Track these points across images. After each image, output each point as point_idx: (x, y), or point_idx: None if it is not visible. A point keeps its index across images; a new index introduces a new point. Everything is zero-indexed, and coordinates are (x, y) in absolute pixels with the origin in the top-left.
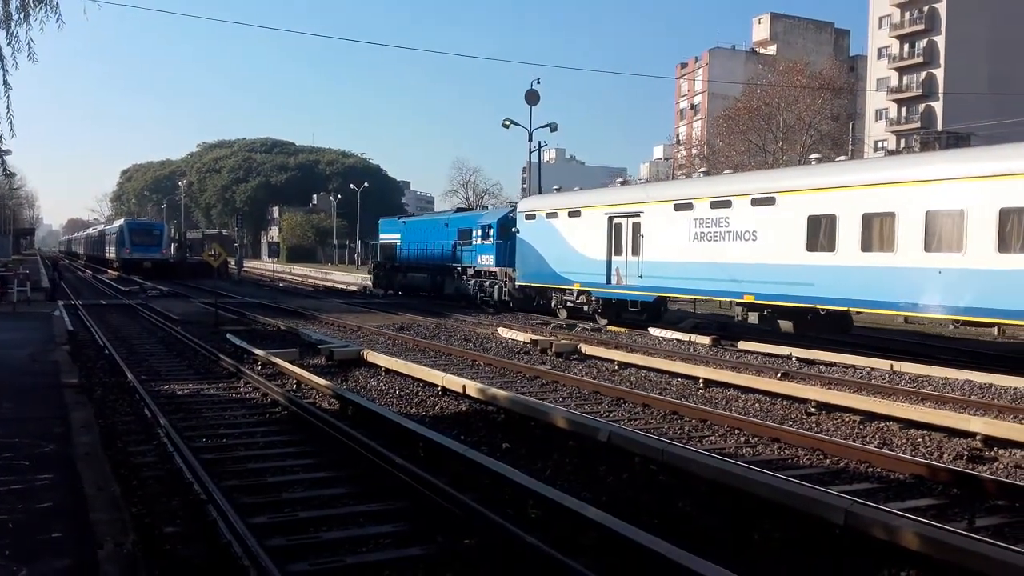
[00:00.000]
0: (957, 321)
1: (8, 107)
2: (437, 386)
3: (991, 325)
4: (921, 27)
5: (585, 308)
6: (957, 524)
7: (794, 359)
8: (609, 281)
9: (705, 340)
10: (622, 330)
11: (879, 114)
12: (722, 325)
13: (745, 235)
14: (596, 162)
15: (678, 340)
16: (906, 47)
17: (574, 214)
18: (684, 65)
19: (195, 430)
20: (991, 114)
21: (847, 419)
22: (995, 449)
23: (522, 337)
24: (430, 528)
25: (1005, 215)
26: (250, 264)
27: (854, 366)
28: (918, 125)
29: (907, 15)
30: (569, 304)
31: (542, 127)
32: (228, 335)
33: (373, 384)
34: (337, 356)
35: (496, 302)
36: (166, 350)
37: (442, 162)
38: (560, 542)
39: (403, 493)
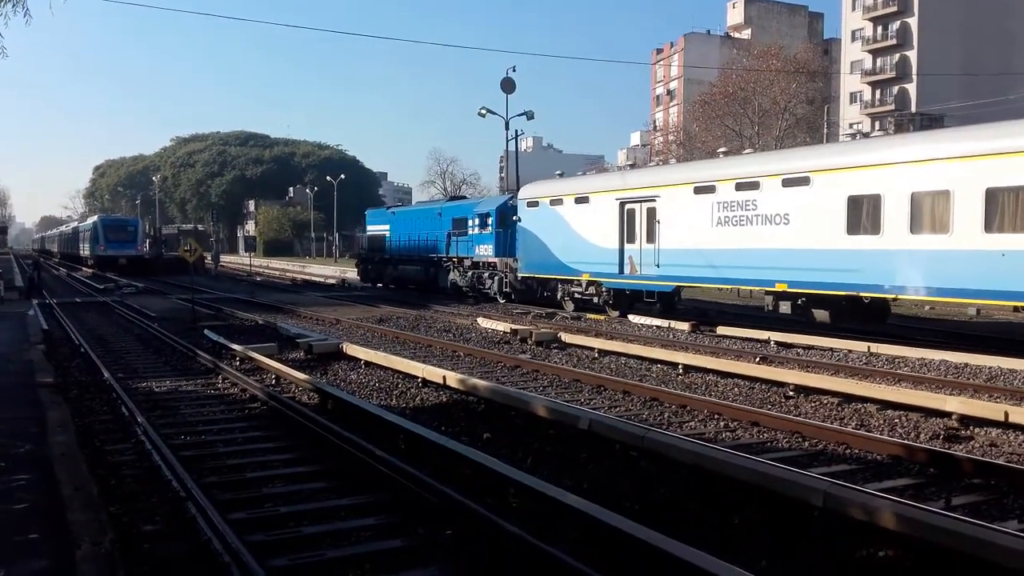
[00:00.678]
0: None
1: None
2: (417, 378)
3: None
4: (894, 9)
5: (595, 300)
6: (934, 503)
7: (772, 343)
8: (622, 271)
9: (684, 326)
10: (601, 317)
11: (853, 97)
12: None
13: (776, 219)
14: (573, 150)
15: (657, 327)
16: (880, 29)
17: (581, 200)
18: (660, 51)
19: (173, 427)
20: (963, 95)
21: (825, 401)
22: (971, 428)
23: (502, 327)
24: (411, 520)
25: None
26: (226, 259)
27: (832, 348)
28: (892, 107)
29: None
30: (577, 296)
31: (519, 115)
32: (205, 331)
33: (353, 377)
34: (316, 350)
35: (496, 294)
36: (143, 347)
37: (419, 152)
38: (542, 530)
39: (384, 485)
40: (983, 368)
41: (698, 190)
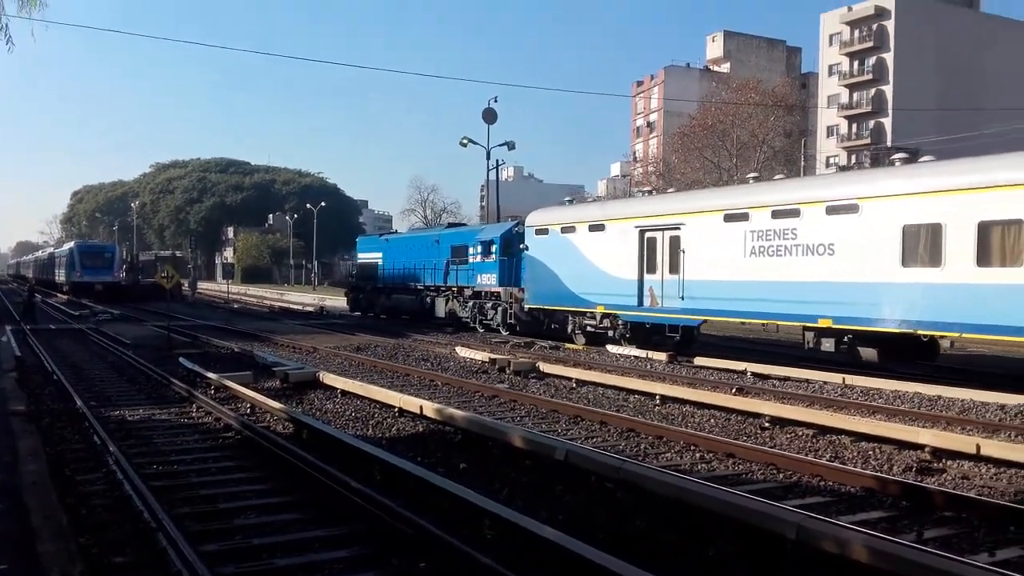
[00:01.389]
0: None
1: None
2: (394, 407)
3: None
4: (871, 45)
5: (610, 333)
6: (906, 536)
7: (749, 374)
8: (641, 303)
9: (662, 356)
10: (579, 348)
11: (830, 130)
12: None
13: (819, 249)
14: (554, 180)
15: (635, 357)
16: (856, 64)
17: (596, 228)
18: (640, 83)
19: (146, 456)
20: (938, 130)
21: (800, 433)
22: (943, 460)
23: (480, 356)
24: (386, 551)
25: None
26: (204, 285)
27: (807, 380)
28: (868, 141)
29: (857, 33)
30: (590, 329)
31: (500, 145)
32: (181, 358)
33: (329, 406)
34: (292, 378)
35: (500, 326)
36: (117, 375)
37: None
38: (516, 562)
39: (358, 516)
40: (956, 400)
41: (729, 218)
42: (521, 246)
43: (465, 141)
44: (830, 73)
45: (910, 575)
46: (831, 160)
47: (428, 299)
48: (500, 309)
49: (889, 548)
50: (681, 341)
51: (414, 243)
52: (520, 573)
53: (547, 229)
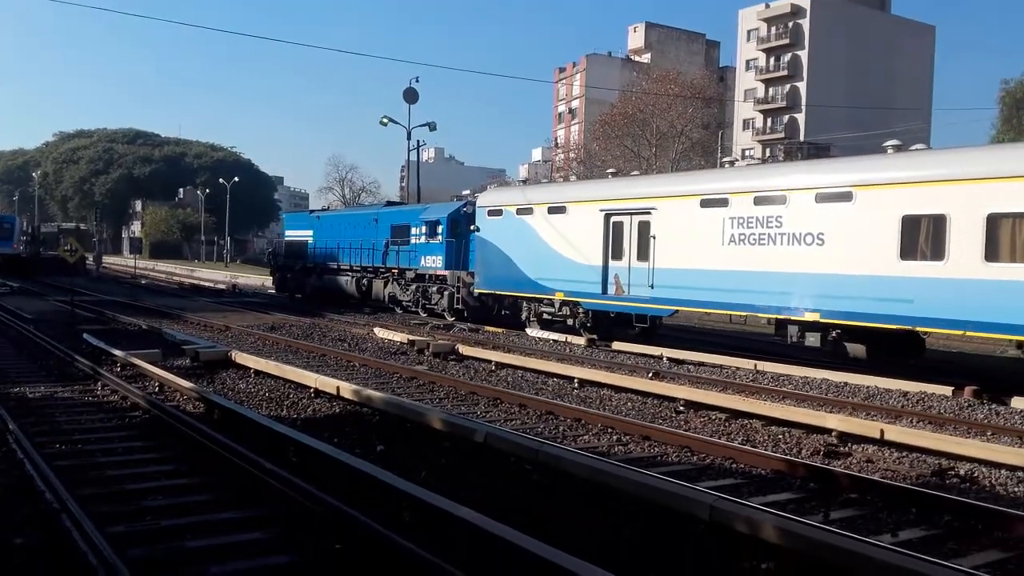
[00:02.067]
0: None
1: None
2: (310, 388)
3: None
4: (786, 42)
5: (569, 321)
6: (814, 517)
7: (665, 359)
8: (605, 291)
9: (581, 341)
10: (500, 330)
11: (746, 123)
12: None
13: (806, 238)
14: (475, 162)
15: (554, 340)
16: (772, 60)
17: (557, 210)
18: (562, 69)
19: (48, 435)
20: (849, 127)
21: (713, 417)
22: (849, 445)
23: (399, 337)
24: (300, 534)
25: None
26: (110, 260)
27: (721, 366)
28: (782, 135)
29: (774, 29)
30: (546, 316)
31: (421, 126)
32: (85, 335)
33: (242, 386)
34: (203, 357)
35: (446, 311)
36: (16, 351)
37: (318, 158)
38: (433, 544)
39: (272, 498)
40: (861, 387)
41: (706, 203)
42: (472, 227)
43: (386, 120)
44: (747, 68)
45: (818, 555)
46: (746, 153)
47: (364, 281)
48: (446, 293)
49: (797, 528)
50: (644, 331)
51: (349, 221)
52: (437, 554)
53: (501, 210)
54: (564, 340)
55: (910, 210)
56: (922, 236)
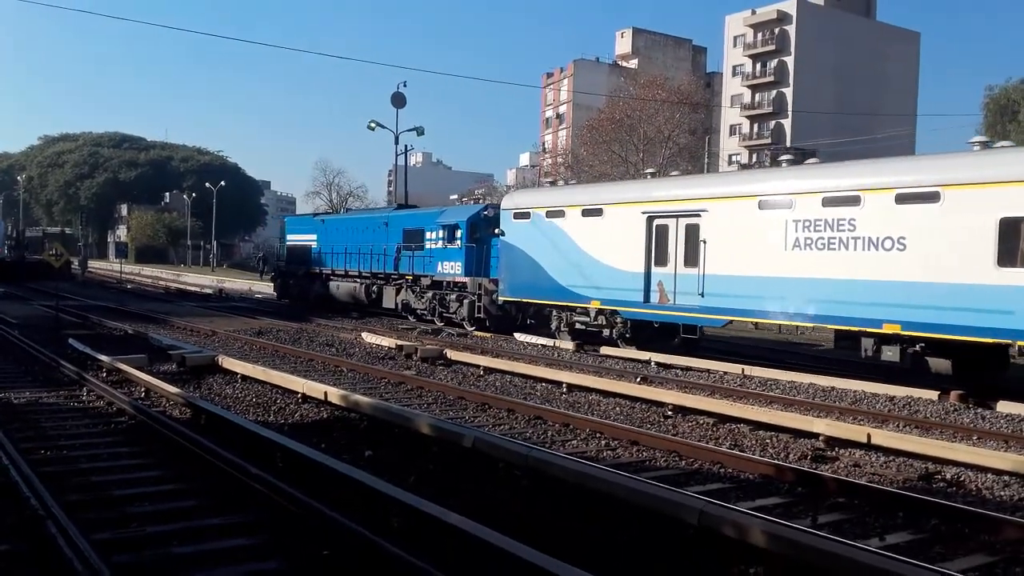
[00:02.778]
0: None
1: None
2: (297, 393)
3: None
4: (772, 48)
5: (605, 332)
6: (802, 521)
7: (653, 364)
8: (648, 299)
9: (569, 345)
10: (488, 335)
11: (733, 129)
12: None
13: (884, 243)
14: (463, 167)
15: (543, 345)
16: (759, 66)
17: (592, 212)
18: (550, 75)
19: (33, 441)
20: (835, 132)
21: (701, 421)
22: (836, 449)
23: (387, 342)
24: (288, 540)
25: None
26: (95, 264)
27: (708, 370)
28: (769, 141)
29: (760, 36)
30: (580, 326)
31: (408, 130)
32: (70, 340)
33: (228, 392)
34: (189, 362)
35: (465, 321)
36: (1, 356)
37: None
38: (422, 550)
39: (259, 505)
40: (848, 392)
41: (766, 204)
42: (496, 231)
43: (373, 124)
44: (734, 74)
45: (806, 559)
46: (733, 158)
47: (374, 288)
48: (466, 302)
49: (786, 533)
50: (685, 343)
51: (357, 225)
52: (426, 560)
53: (528, 213)
54: (552, 345)
55: (1011, 212)
56: None
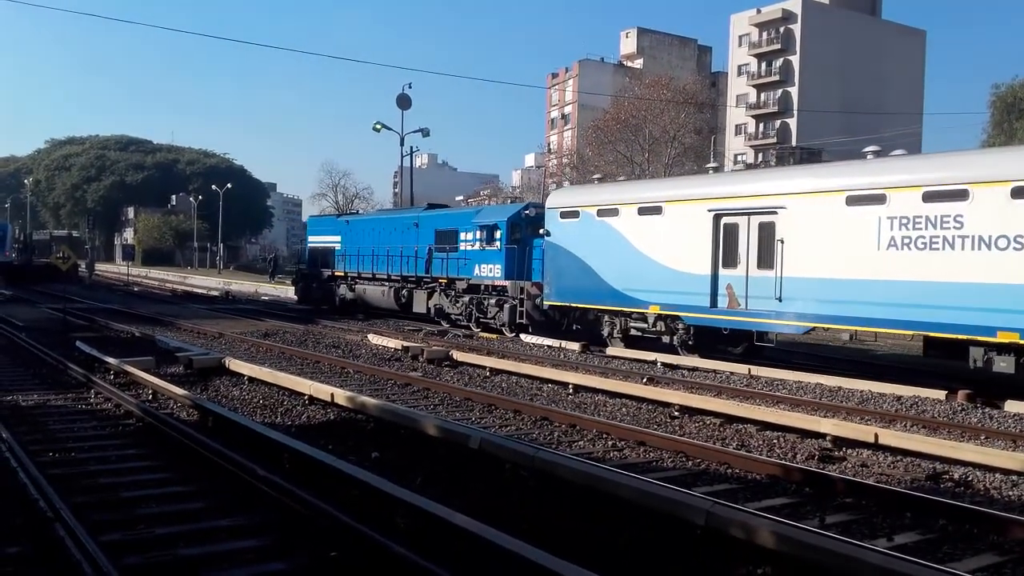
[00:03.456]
0: None
1: None
2: (304, 395)
3: None
4: (778, 47)
5: (665, 339)
6: (809, 522)
7: (659, 364)
8: (715, 304)
9: (575, 346)
10: (493, 336)
11: (739, 128)
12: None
13: (998, 242)
14: (468, 168)
15: (548, 346)
16: (764, 66)
17: (650, 211)
18: (555, 75)
19: (41, 443)
20: (840, 131)
21: (708, 422)
22: (844, 449)
23: (393, 344)
24: (295, 541)
25: None
26: (103, 267)
27: (714, 371)
28: (774, 140)
29: (765, 35)
30: (635, 332)
31: (414, 132)
32: (78, 342)
33: (235, 394)
34: (196, 364)
35: (506, 326)
36: (9, 359)
37: (310, 164)
38: (429, 551)
39: (266, 506)
40: (855, 392)
41: (855, 200)
42: (541, 231)
43: (379, 126)
44: (739, 73)
45: (814, 559)
46: (739, 158)
47: (404, 292)
48: (507, 306)
49: (793, 533)
50: (749, 350)
51: (384, 225)
52: (433, 561)
53: (577, 212)
54: (558, 346)
55: None
56: None
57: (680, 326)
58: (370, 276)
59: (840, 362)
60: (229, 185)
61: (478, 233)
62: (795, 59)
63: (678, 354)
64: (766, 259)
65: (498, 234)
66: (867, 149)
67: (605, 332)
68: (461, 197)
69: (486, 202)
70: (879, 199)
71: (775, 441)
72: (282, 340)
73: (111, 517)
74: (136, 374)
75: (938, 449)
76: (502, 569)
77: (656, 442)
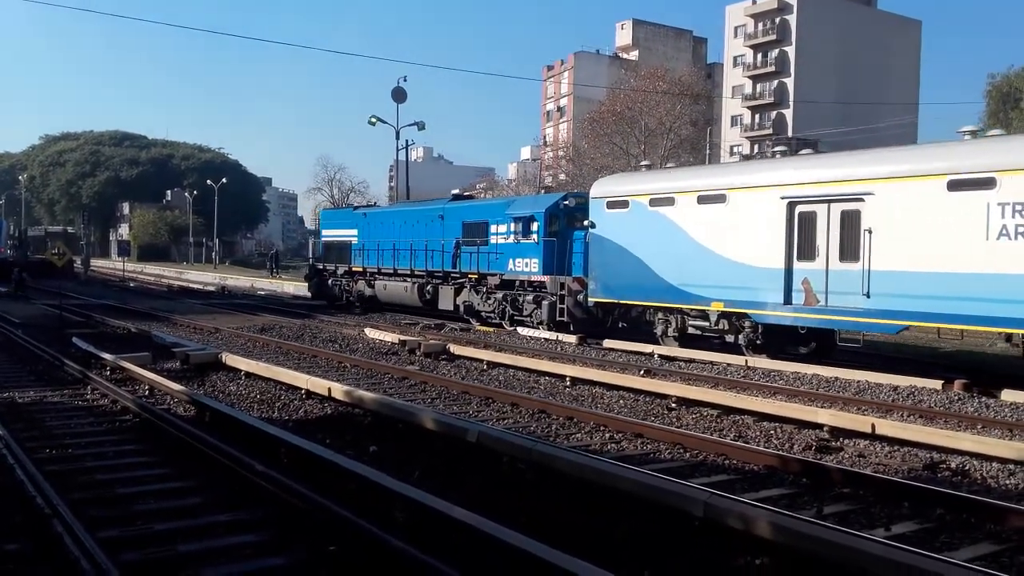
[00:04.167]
0: None
1: None
2: (301, 389)
3: None
4: (773, 38)
5: (729, 338)
6: (807, 512)
7: (656, 357)
8: (789, 300)
9: (572, 339)
10: (490, 329)
11: (734, 120)
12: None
13: None
14: (463, 161)
15: (545, 339)
16: (760, 57)
17: (711, 199)
18: (550, 67)
19: (38, 440)
20: (837, 123)
21: (705, 413)
22: (841, 439)
23: (390, 338)
24: (293, 536)
25: None
26: (98, 263)
27: (712, 362)
28: (770, 131)
29: (760, 26)
30: (694, 330)
31: (409, 125)
32: (74, 339)
33: (232, 389)
34: (193, 359)
35: (543, 324)
36: (5, 355)
37: (306, 159)
38: (428, 544)
39: (265, 501)
40: (852, 382)
41: (958, 184)
42: (585, 223)
43: (374, 120)
44: (735, 64)
45: (812, 550)
46: (735, 149)
47: (429, 288)
48: (546, 303)
49: (791, 524)
50: (819, 350)
51: (405, 218)
52: (432, 555)
53: (627, 201)
54: (555, 338)
55: None
56: None
57: (747, 324)
58: (391, 271)
59: (838, 352)
60: (224, 180)
61: (512, 225)
62: (791, 50)
63: (742, 355)
64: (850, 251)
65: (535, 226)
66: (963, 129)
67: (658, 331)
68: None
69: (482, 195)
70: (987, 183)
71: (772, 432)
72: (279, 335)
73: (109, 513)
74: (132, 370)
75: (935, 439)
76: (501, 562)
77: (653, 434)
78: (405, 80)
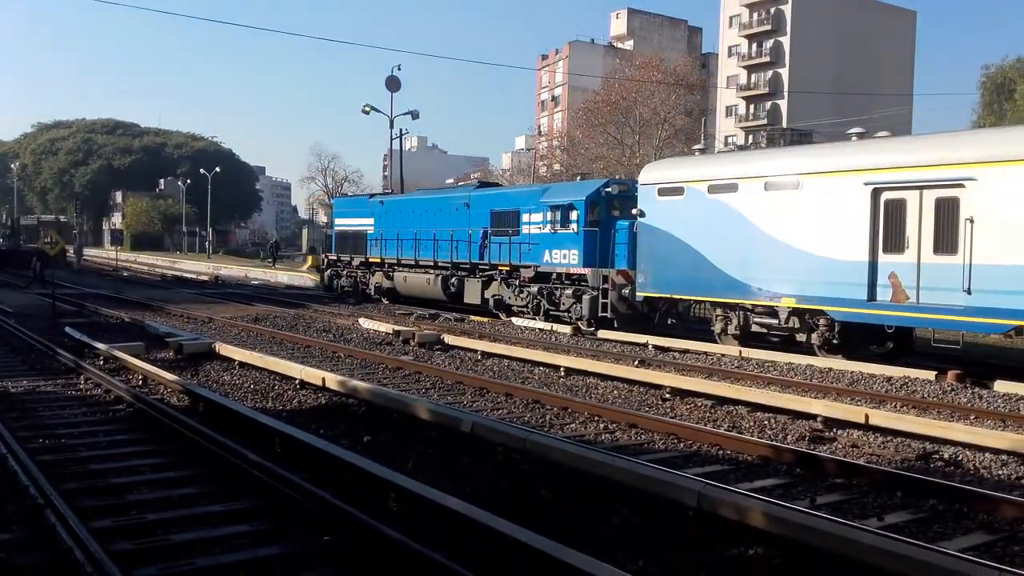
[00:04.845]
0: None
1: None
2: (295, 379)
3: None
4: (768, 28)
5: (800, 337)
6: (801, 502)
7: (650, 347)
8: (873, 297)
9: (566, 329)
10: (485, 320)
11: (729, 110)
12: None
13: None
14: (458, 151)
15: (540, 329)
16: (754, 47)
17: (780, 185)
18: (545, 57)
19: (31, 430)
20: (832, 113)
21: (699, 404)
22: (834, 430)
23: (384, 328)
24: (288, 526)
25: None
26: (91, 252)
27: (706, 353)
28: (765, 122)
29: (755, 15)
30: (758, 328)
31: (403, 114)
32: (67, 328)
33: (226, 379)
34: (187, 349)
35: (584, 320)
36: None
37: (299, 148)
38: (422, 534)
39: (259, 491)
40: (845, 373)
41: None
42: (634, 211)
43: (368, 108)
44: (729, 54)
45: (805, 539)
46: (730, 139)
47: (454, 280)
48: (586, 298)
49: (785, 514)
50: (897, 349)
51: (426, 207)
52: (426, 544)
53: (681, 188)
54: (549, 329)
55: None
56: None
57: (823, 322)
58: (412, 263)
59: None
60: (218, 169)
61: (548, 215)
62: (786, 40)
63: (814, 355)
64: (947, 243)
65: (574, 215)
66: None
67: (716, 328)
68: (451, 180)
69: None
70: None
71: (766, 422)
72: (272, 324)
73: (102, 503)
74: (126, 360)
75: (928, 429)
76: (495, 551)
77: (648, 424)
78: (399, 69)
